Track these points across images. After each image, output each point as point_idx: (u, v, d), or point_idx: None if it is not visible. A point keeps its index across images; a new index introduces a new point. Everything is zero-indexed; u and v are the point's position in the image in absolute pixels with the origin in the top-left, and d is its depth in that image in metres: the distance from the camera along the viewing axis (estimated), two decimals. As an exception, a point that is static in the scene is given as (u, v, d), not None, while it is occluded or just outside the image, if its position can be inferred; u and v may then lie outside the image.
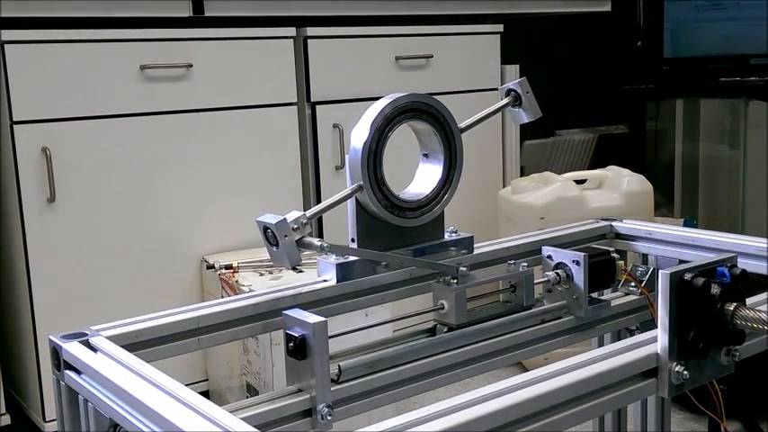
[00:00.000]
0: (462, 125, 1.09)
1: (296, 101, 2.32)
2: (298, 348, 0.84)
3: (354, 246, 1.03)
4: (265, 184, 2.25)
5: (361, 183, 0.99)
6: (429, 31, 2.57)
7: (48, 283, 1.99)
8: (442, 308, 1.00)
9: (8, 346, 2.17)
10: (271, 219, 0.91)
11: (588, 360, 0.79)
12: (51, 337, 0.87)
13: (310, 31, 2.31)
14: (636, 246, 1.30)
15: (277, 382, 1.80)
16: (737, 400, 1.83)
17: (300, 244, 0.92)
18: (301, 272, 2.00)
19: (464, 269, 1.01)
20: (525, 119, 1.16)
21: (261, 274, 1.97)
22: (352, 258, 1.03)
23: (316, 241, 0.92)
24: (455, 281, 1.00)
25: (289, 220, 0.91)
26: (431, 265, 1.04)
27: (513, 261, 1.08)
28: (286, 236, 0.91)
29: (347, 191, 1.00)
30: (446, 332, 0.99)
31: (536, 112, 1.15)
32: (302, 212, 0.92)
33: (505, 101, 1.16)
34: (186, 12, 2.13)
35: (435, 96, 1.05)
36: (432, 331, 1.01)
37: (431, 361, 0.97)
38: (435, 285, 1.01)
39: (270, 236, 0.91)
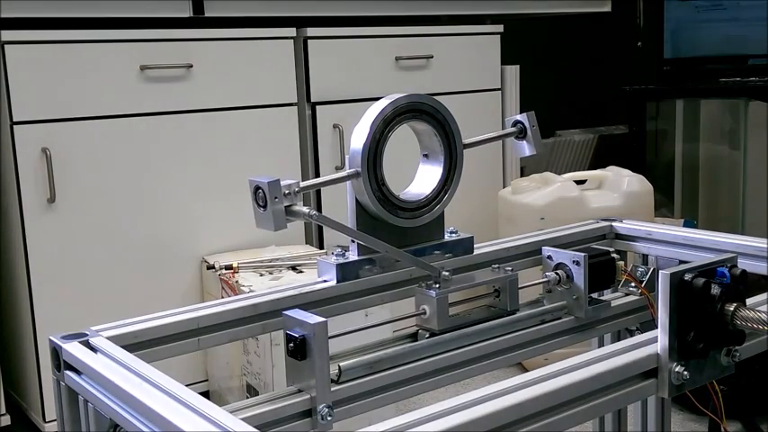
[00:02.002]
0: (466, 141, 1.09)
1: (296, 101, 2.32)
2: (298, 349, 0.84)
3: (354, 246, 1.03)
4: (265, 184, 2.25)
5: (359, 169, 0.98)
6: (429, 32, 2.57)
7: (48, 283, 1.99)
8: (424, 313, 0.99)
9: (8, 346, 2.17)
10: (264, 179, 0.90)
11: (588, 360, 0.79)
12: (51, 338, 0.87)
13: (310, 31, 2.31)
14: (636, 246, 1.30)
15: (277, 382, 1.80)
16: (737, 401, 1.83)
17: (289, 212, 0.91)
18: (301, 272, 2.00)
19: (446, 273, 0.99)
20: (526, 152, 1.16)
21: (261, 275, 1.97)
22: (352, 258, 1.03)
23: (304, 209, 0.91)
24: (438, 285, 0.99)
25: (282, 184, 0.91)
26: (415, 262, 1.02)
27: (497, 265, 1.07)
28: (276, 198, 0.90)
29: (344, 173, 1.00)
30: (427, 338, 0.98)
31: (538, 147, 1.15)
32: (296, 180, 0.92)
33: (511, 130, 1.15)
34: (186, 12, 2.13)
35: (435, 96, 1.05)
36: (414, 336, 1.00)
37: (431, 361, 0.97)
38: (417, 290, 1.00)
39: (260, 197, 0.91)
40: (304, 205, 0.92)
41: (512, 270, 1.06)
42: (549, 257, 1.11)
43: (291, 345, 0.85)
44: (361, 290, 1.04)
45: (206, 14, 2.15)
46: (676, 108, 3.16)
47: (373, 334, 0.97)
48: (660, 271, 0.82)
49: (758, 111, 2.92)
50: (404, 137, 1.09)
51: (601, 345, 1.31)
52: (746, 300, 0.86)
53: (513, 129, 1.16)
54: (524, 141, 1.16)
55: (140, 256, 2.11)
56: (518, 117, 1.15)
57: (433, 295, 0.98)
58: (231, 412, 0.76)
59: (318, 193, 2.33)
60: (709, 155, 3.11)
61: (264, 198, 0.90)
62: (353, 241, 1.03)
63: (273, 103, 2.28)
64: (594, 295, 1.11)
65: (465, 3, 2.65)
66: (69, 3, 1.98)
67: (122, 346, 0.85)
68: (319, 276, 1.05)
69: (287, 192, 0.91)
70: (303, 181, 0.93)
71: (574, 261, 1.08)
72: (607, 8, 3.05)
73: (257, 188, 0.91)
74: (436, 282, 0.99)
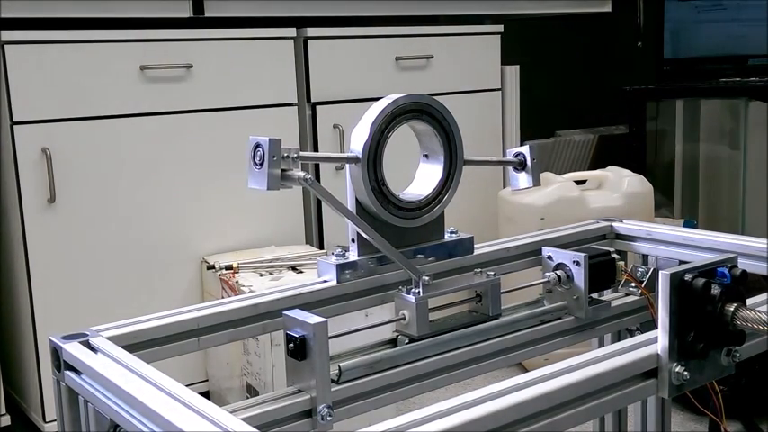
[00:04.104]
0: (466, 158, 1.09)
1: (296, 101, 2.32)
2: (298, 349, 0.84)
3: (354, 246, 1.03)
4: (265, 184, 2.25)
5: (359, 155, 0.98)
6: (429, 32, 2.57)
7: (48, 283, 1.99)
8: (404, 318, 0.98)
9: (8, 346, 2.17)
10: (264, 137, 0.90)
11: (588, 360, 0.79)
12: (51, 338, 0.87)
13: (310, 31, 2.31)
14: (636, 246, 1.30)
15: (277, 382, 1.80)
16: (737, 401, 1.84)
17: (284, 176, 0.90)
18: (301, 272, 2.00)
19: (426, 278, 0.98)
20: (522, 185, 1.14)
21: (261, 275, 1.97)
22: (352, 258, 1.03)
23: (300, 173, 0.90)
24: (418, 290, 0.98)
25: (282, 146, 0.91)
26: (403, 262, 1.01)
27: (479, 269, 1.06)
28: (274, 157, 0.89)
29: (344, 155, 0.99)
30: (407, 343, 0.97)
31: (536, 181, 1.14)
32: (296, 147, 0.92)
33: (511, 159, 1.15)
34: (186, 12, 2.13)
35: (435, 97, 1.05)
36: (393, 342, 0.99)
37: (431, 362, 0.97)
38: (397, 295, 0.99)
39: (258, 155, 0.90)
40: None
41: (494, 274, 1.05)
42: (550, 257, 1.12)
43: (291, 345, 0.85)
44: (361, 290, 1.04)
45: (206, 15, 2.15)
46: (676, 108, 3.15)
47: (373, 334, 0.98)
48: (660, 271, 0.82)
49: (758, 111, 2.92)
50: (404, 137, 1.09)
51: (601, 345, 1.31)
52: (746, 300, 0.86)
53: (514, 159, 1.15)
54: (523, 173, 1.15)
55: (140, 256, 2.11)
56: (520, 149, 1.15)
57: (413, 301, 0.97)
58: (231, 412, 0.76)
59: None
60: (709, 155, 3.10)
61: (262, 156, 0.89)
62: (353, 241, 1.03)
63: (273, 103, 2.28)
64: (595, 295, 1.11)
65: (465, 3, 2.65)
66: (69, 3, 1.98)
67: (122, 346, 0.85)
68: (319, 276, 1.05)
69: (285, 155, 0.90)
70: (303, 151, 0.92)
71: (574, 261, 1.08)
72: (607, 8, 3.05)
73: (257, 146, 0.90)
74: (416, 286, 0.98)
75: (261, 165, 0.89)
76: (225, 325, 0.96)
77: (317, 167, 2.36)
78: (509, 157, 1.15)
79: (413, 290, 0.98)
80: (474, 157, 1.11)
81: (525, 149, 1.14)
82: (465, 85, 2.63)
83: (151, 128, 2.10)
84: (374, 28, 2.45)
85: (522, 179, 1.15)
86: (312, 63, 2.32)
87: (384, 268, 1.04)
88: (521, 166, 1.15)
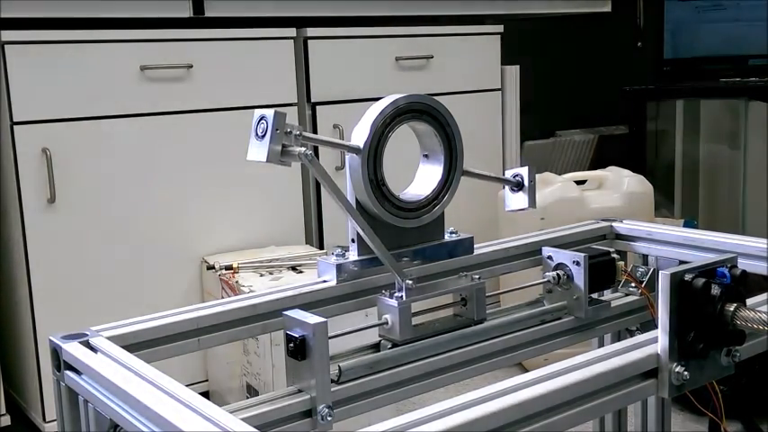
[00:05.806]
0: (466, 168, 1.09)
1: (296, 101, 2.32)
2: (298, 349, 0.84)
3: (354, 246, 1.03)
4: (265, 184, 2.25)
5: (360, 146, 0.98)
6: (429, 32, 2.57)
7: (48, 283, 1.98)
8: (387, 323, 0.97)
9: (8, 346, 2.17)
10: (270, 110, 0.89)
11: (588, 361, 0.79)
12: (51, 338, 0.87)
13: (310, 31, 2.31)
14: (636, 246, 1.30)
15: (277, 382, 1.80)
16: (737, 401, 1.83)
17: (284, 151, 0.90)
18: (301, 272, 2.00)
19: (410, 282, 0.97)
20: (518, 206, 1.13)
21: (261, 275, 1.97)
22: (352, 258, 1.03)
23: (300, 149, 0.90)
24: (401, 294, 0.97)
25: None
26: (387, 260, 0.99)
27: (465, 273, 1.05)
28: (277, 130, 0.89)
29: (346, 142, 0.99)
30: (390, 348, 0.95)
31: (532, 203, 1.12)
32: (300, 125, 0.92)
33: (509, 179, 1.14)
34: (186, 12, 2.13)
35: (435, 96, 1.05)
36: (376, 347, 0.98)
37: (431, 362, 0.97)
38: (379, 299, 0.99)
39: (261, 127, 0.90)
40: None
41: (479, 278, 1.04)
42: (550, 257, 1.11)
43: (291, 345, 0.85)
44: (361, 290, 1.04)
45: (206, 15, 2.15)
46: (676, 108, 3.16)
47: (373, 334, 0.97)
48: (660, 271, 0.82)
49: (758, 111, 2.92)
50: (404, 137, 1.09)
51: (601, 345, 1.31)
52: (746, 300, 0.86)
53: (512, 179, 1.14)
54: (520, 193, 1.14)
55: (140, 256, 2.11)
56: (518, 170, 1.14)
57: (395, 305, 0.96)
58: (231, 412, 0.76)
59: (318, 194, 2.33)
60: (710, 155, 3.11)
61: (266, 128, 0.90)
62: (353, 241, 1.03)
63: (273, 103, 2.27)
64: (594, 295, 1.11)
65: (465, 3, 2.65)
66: (69, 3, 1.98)
67: (122, 346, 0.85)
68: (319, 276, 1.05)
69: (288, 130, 0.91)
70: (307, 132, 0.93)
71: (574, 261, 1.08)
72: (607, 8, 3.05)
73: (261, 118, 0.90)
74: (400, 290, 0.97)
75: (263, 137, 0.90)
76: (225, 325, 0.96)
77: (317, 167, 2.36)
78: (507, 177, 1.14)
79: (395, 294, 0.97)
80: (473, 169, 1.11)
81: (524, 171, 1.13)
82: (465, 85, 2.63)
83: (151, 128, 2.10)
84: (374, 28, 2.45)
85: (519, 200, 1.13)
86: (312, 63, 2.32)
87: (383, 268, 1.04)
88: (518, 186, 1.14)
